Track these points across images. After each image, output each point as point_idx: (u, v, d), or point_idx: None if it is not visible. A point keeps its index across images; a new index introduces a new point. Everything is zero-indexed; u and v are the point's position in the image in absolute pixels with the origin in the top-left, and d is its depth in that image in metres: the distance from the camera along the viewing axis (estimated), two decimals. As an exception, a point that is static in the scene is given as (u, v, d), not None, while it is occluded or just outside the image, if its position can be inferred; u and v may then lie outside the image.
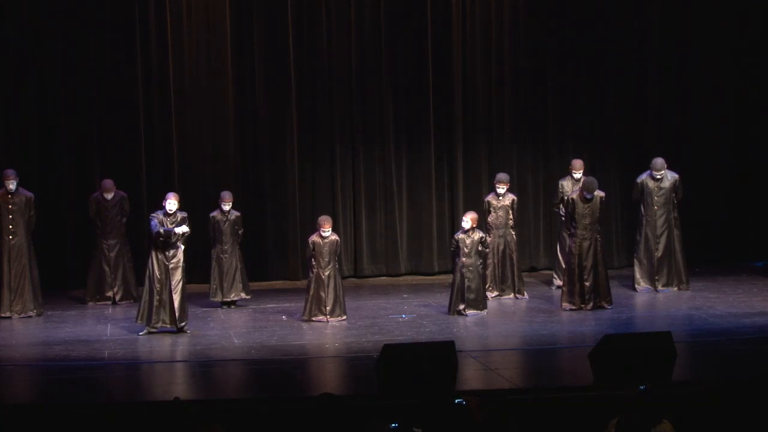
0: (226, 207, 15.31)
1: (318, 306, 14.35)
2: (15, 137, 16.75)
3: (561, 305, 14.80)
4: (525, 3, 17.86)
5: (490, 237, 15.42)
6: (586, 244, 14.78)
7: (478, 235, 14.62)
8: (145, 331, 13.61)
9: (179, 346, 13.10)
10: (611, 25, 18.02)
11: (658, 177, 15.78)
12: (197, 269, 16.52)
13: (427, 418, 7.89)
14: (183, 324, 13.68)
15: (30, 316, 14.89)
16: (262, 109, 17.38)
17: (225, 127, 17.27)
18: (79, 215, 16.49)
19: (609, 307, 14.71)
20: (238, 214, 15.46)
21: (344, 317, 14.37)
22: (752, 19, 18.27)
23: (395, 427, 7.61)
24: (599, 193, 14.87)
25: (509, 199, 15.79)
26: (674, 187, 15.81)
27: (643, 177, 15.89)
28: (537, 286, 16.64)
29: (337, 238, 14.62)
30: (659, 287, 15.87)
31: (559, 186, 16.21)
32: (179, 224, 13.71)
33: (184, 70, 17.14)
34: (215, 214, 15.38)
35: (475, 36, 17.81)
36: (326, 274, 14.37)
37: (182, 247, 13.77)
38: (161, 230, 13.59)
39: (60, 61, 16.77)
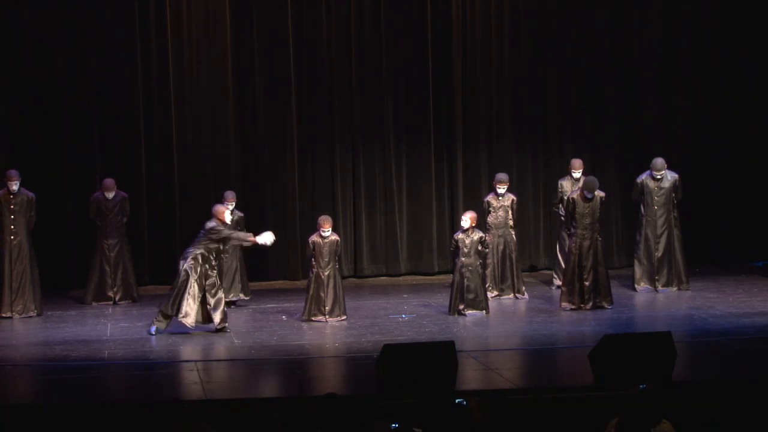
0: (230, 206, 15.30)
1: (318, 306, 14.34)
2: (15, 137, 16.75)
3: (560, 305, 14.81)
4: (525, 3, 17.86)
5: (489, 237, 15.42)
6: (586, 243, 14.78)
7: (477, 234, 14.62)
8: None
9: (179, 346, 13.09)
10: (611, 25, 18.03)
11: (658, 177, 15.78)
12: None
13: (427, 418, 7.90)
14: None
15: (30, 316, 14.89)
16: (262, 109, 17.38)
17: (225, 128, 17.27)
18: (79, 215, 16.49)
19: (609, 307, 14.71)
20: (241, 214, 15.46)
21: (344, 317, 14.37)
22: (752, 19, 18.27)
23: (395, 427, 7.62)
24: (599, 193, 14.88)
25: (509, 199, 15.79)
26: (674, 187, 15.81)
27: (643, 177, 15.89)
28: (537, 286, 16.64)
29: (337, 238, 14.61)
30: (659, 287, 15.87)
31: (559, 186, 16.22)
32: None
33: (184, 70, 17.14)
34: (218, 213, 15.38)
35: (475, 36, 17.81)
36: (326, 274, 14.37)
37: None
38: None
39: (60, 61, 16.77)
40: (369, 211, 17.73)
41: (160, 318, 13.60)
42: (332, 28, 17.46)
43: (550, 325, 13.94)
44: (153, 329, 13.55)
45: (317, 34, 17.43)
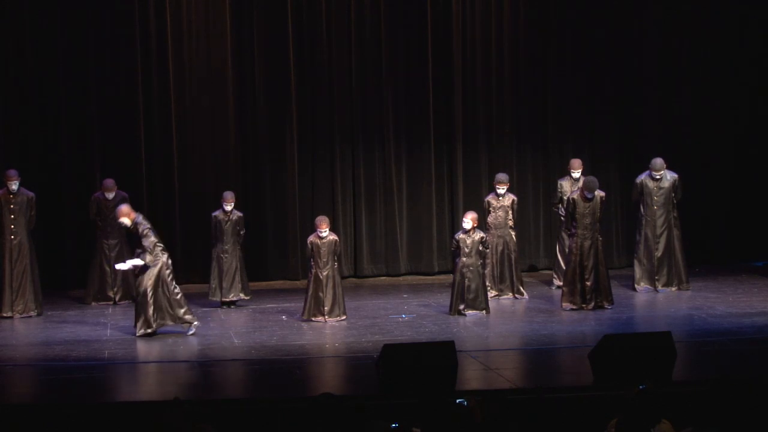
0: (228, 207, 15.31)
1: (317, 306, 14.34)
2: (15, 137, 16.76)
3: (561, 305, 14.80)
4: (525, 3, 17.87)
5: (488, 237, 15.40)
6: (587, 243, 14.78)
7: (478, 235, 14.62)
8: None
9: (179, 346, 13.09)
10: (611, 25, 18.03)
11: (658, 177, 15.78)
12: (197, 269, 16.54)
13: (427, 418, 7.90)
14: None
15: (31, 316, 14.89)
16: (262, 109, 17.38)
17: (225, 127, 17.27)
18: (79, 215, 16.49)
19: (609, 307, 14.71)
20: (240, 214, 15.46)
21: (344, 317, 14.37)
22: (752, 19, 18.27)
23: (395, 427, 7.62)
24: (599, 193, 14.88)
25: (509, 199, 15.79)
26: (673, 187, 15.81)
27: (643, 177, 15.89)
28: (537, 286, 16.64)
29: (336, 238, 14.59)
30: (659, 287, 15.87)
31: (558, 186, 16.23)
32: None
33: (184, 69, 17.14)
34: (217, 213, 15.39)
35: (475, 36, 17.81)
36: (324, 274, 14.36)
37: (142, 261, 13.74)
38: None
39: (60, 61, 16.77)
40: (369, 211, 17.73)
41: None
42: (332, 28, 17.47)
43: (550, 325, 13.94)
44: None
45: (317, 34, 17.43)
